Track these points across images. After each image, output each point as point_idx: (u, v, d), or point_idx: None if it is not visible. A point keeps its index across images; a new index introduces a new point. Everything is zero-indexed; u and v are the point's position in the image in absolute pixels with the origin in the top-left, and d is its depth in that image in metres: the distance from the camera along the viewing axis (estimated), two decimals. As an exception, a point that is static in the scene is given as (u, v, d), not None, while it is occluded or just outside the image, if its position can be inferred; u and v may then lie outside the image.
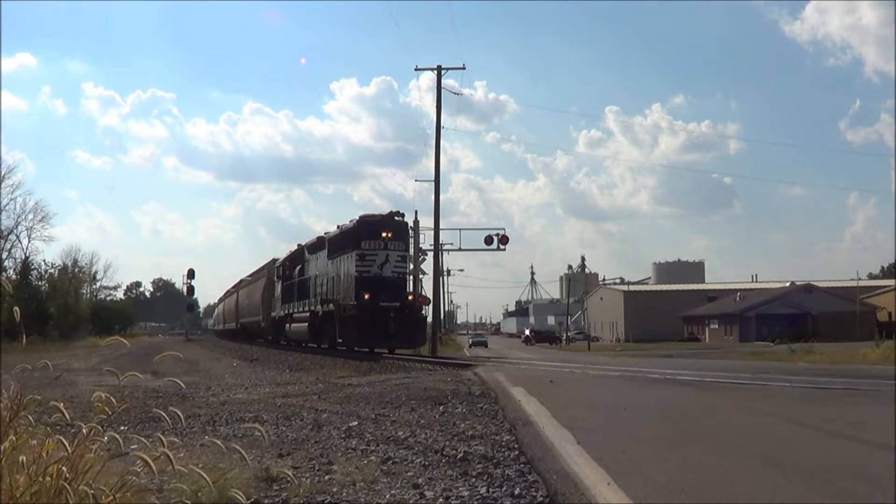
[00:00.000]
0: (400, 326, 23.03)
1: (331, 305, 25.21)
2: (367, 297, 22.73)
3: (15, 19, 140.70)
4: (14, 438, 3.45)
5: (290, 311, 31.74)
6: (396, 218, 24.34)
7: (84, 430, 3.59)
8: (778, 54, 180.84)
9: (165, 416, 3.84)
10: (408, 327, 23.39)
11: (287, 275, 33.23)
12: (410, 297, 24.45)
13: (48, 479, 3.33)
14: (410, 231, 27.00)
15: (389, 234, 23.62)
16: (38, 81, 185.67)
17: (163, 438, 3.60)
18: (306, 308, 28.86)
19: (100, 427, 3.66)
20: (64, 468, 3.39)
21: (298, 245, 33.30)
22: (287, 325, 32.30)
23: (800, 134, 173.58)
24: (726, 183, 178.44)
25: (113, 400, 3.75)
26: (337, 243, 25.86)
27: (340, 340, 24.83)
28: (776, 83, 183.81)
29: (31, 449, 3.48)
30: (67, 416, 3.68)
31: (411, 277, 26.37)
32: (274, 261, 38.42)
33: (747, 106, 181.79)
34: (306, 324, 28.35)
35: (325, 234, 28.48)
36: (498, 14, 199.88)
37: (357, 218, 24.73)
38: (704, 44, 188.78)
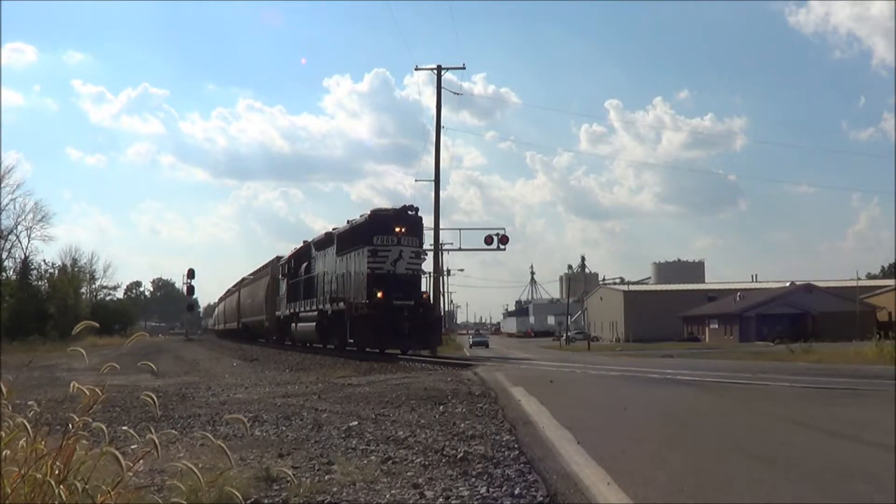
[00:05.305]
0: (414, 326, 22.34)
1: (341, 304, 24.32)
2: (379, 295, 21.99)
3: (10, 13, 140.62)
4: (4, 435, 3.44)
5: (296, 310, 31.03)
6: (410, 212, 23.36)
7: (75, 425, 3.57)
8: (783, 47, 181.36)
9: (153, 401, 3.81)
10: (422, 327, 22.74)
11: (293, 272, 32.46)
12: (425, 295, 23.81)
13: (40, 475, 3.31)
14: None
15: (403, 230, 22.77)
16: (31, 76, 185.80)
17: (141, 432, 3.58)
18: (314, 307, 28.10)
19: (91, 420, 3.64)
20: (58, 463, 3.38)
21: (304, 241, 32.58)
22: (293, 324, 31.57)
23: (804, 131, 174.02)
24: (731, 180, 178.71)
25: (98, 391, 3.72)
26: (347, 239, 25.09)
27: (351, 341, 24.15)
28: (781, 78, 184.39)
29: (26, 445, 3.47)
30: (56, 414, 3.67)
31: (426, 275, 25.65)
32: (278, 258, 37.90)
33: (752, 101, 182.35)
34: (314, 323, 27.61)
35: (334, 229, 27.53)
36: (497, 5, 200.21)
37: (368, 212, 23.95)
38: (708, 36, 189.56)
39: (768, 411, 8.55)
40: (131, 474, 3.43)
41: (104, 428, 3.65)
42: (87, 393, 3.66)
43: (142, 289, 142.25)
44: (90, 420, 3.65)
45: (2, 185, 56.16)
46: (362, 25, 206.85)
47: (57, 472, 3.36)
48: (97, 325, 4.60)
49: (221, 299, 66.33)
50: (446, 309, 73.32)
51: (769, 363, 20.75)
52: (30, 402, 4.23)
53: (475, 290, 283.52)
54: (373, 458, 5.94)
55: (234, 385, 14.31)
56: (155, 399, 3.84)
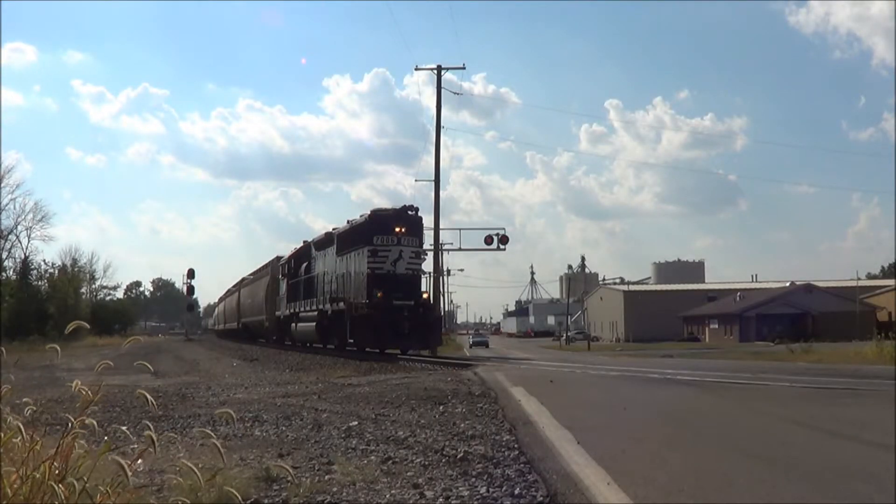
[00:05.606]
0: (414, 326, 22.38)
1: (341, 304, 24.32)
2: (379, 295, 22.01)
3: (10, 13, 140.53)
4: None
5: (296, 310, 31.04)
6: (410, 212, 23.36)
7: (73, 424, 3.57)
8: (783, 47, 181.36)
9: (147, 399, 3.79)
10: (422, 327, 22.77)
11: (293, 272, 32.46)
12: (425, 295, 23.86)
13: (39, 475, 3.31)
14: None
15: (403, 230, 22.80)
16: (31, 76, 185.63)
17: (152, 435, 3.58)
18: (314, 307, 28.09)
19: (86, 420, 3.64)
20: (56, 463, 3.37)
21: (304, 241, 32.59)
22: (293, 324, 31.58)
23: (804, 131, 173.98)
24: (731, 180, 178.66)
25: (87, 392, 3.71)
26: (347, 239, 25.11)
27: (351, 341, 24.16)
28: (781, 78, 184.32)
29: (21, 445, 3.47)
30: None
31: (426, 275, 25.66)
32: (278, 258, 37.91)
33: (752, 101, 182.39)
34: (314, 323, 27.61)
35: (334, 229, 27.54)
36: (497, 5, 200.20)
37: (368, 212, 23.97)
38: (708, 36, 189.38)
39: (768, 411, 8.55)
40: (130, 473, 3.42)
41: (95, 425, 3.64)
42: (84, 392, 3.65)
43: (142, 289, 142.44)
44: (86, 420, 3.64)
45: (2, 185, 56.24)
46: (362, 25, 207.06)
47: (57, 471, 3.36)
48: (87, 325, 4.61)
49: (221, 299, 66.32)
50: (446, 309, 73.35)
51: (769, 363, 20.75)
52: (24, 400, 4.21)
53: (475, 290, 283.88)
54: (373, 458, 5.94)
55: (234, 385, 14.31)
56: (149, 397, 3.81)
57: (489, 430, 7.12)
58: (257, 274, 44.48)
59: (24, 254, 60.30)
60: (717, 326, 76.39)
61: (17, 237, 59.23)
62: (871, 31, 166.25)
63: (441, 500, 4.59)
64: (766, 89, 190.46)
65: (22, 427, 3.46)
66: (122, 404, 9.70)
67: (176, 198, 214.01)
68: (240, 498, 3.44)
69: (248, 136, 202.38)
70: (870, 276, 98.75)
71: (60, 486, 3.23)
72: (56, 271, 64.99)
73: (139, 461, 4.05)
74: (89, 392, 3.67)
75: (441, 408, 9.01)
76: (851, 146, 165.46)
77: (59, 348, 4.31)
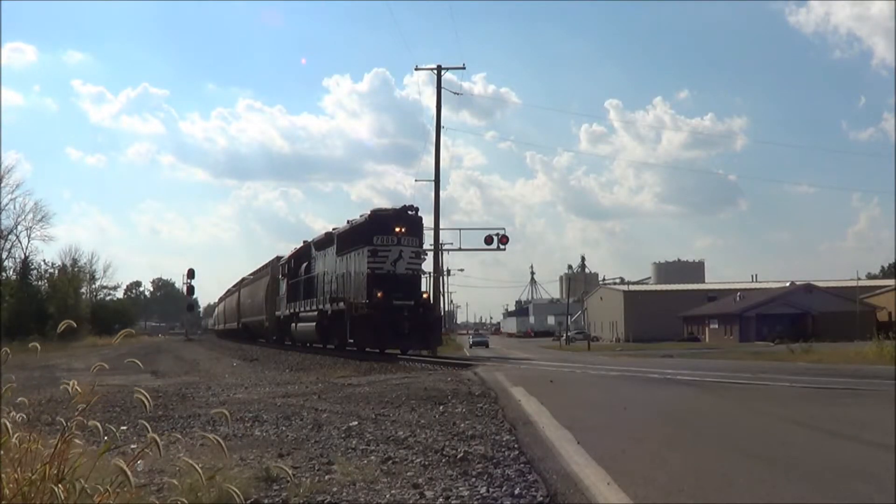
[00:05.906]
0: (414, 326, 22.41)
1: (341, 304, 24.34)
2: (379, 295, 22.04)
3: (10, 13, 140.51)
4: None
5: (296, 310, 31.07)
6: (410, 212, 23.39)
7: (70, 425, 3.56)
8: (783, 47, 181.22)
9: (145, 399, 3.78)
10: (422, 327, 22.80)
11: (293, 272, 32.49)
12: (425, 295, 23.89)
13: (37, 476, 3.30)
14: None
15: (403, 229, 22.82)
16: (31, 76, 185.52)
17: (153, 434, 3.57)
18: (314, 307, 28.12)
19: (85, 420, 3.63)
20: (55, 463, 3.36)
21: (304, 241, 32.61)
22: (293, 324, 31.61)
23: (804, 131, 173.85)
24: (731, 180, 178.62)
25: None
26: (347, 239, 25.14)
27: (351, 341, 24.18)
28: (781, 78, 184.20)
29: (18, 445, 3.46)
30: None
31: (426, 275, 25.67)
32: (278, 258, 37.95)
33: (752, 101, 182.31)
34: (314, 323, 27.62)
35: (334, 229, 27.57)
36: (497, 5, 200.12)
37: (368, 212, 23.99)
38: (708, 36, 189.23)
39: (768, 411, 8.55)
40: (130, 473, 3.41)
41: (98, 427, 3.64)
42: (81, 392, 3.64)
43: (142, 289, 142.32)
44: (84, 420, 3.63)
45: (2, 185, 56.25)
46: (362, 25, 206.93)
47: (55, 471, 3.36)
48: (74, 323, 4.62)
49: (221, 299, 66.29)
50: (446, 309, 73.30)
51: (769, 363, 20.74)
52: (20, 400, 4.20)
53: (475, 290, 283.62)
54: (373, 458, 5.94)
55: (234, 385, 14.31)
56: (147, 397, 3.81)
57: (489, 430, 7.12)
58: (257, 274, 44.47)
59: (24, 254, 60.36)
60: (717, 326, 76.38)
61: (17, 237, 59.28)
62: (871, 31, 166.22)
63: (441, 500, 4.59)
64: (766, 89, 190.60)
65: (9, 426, 3.45)
66: (122, 404, 9.70)
67: (176, 198, 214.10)
68: (240, 496, 3.43)
69: (248, 136, 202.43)
70: (870, 276, 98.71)
71: (59, 486, 3.23)
72: (56, 271, 65.03)
73: (139, 461, 4.04)
74: (85, 392, 3.66)
75: (441, 408, 9.01)
76: (851, 146, 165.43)
77: (38, 346, 4.29)
